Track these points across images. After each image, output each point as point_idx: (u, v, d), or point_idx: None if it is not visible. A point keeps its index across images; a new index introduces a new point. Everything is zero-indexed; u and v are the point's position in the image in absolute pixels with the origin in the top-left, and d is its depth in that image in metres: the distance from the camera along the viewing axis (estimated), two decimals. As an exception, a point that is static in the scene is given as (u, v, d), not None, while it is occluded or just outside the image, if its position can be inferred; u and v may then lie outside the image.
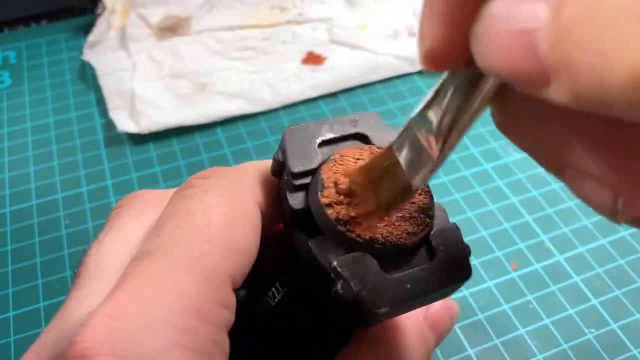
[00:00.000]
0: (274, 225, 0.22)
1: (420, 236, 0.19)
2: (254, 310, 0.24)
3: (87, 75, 0.48)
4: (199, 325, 0.16)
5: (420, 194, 0.20)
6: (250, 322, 0.25)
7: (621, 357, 0.30)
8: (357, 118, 0.22)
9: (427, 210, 0.19)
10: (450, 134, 0.14)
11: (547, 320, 0.31)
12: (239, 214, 0.19)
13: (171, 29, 0.51)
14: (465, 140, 0.41)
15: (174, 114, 0.43)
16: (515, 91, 0.12)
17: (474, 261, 0.34)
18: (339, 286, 0.18)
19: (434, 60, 0.13)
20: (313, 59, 0.48)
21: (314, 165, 0.20)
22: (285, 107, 0.45)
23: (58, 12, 0.55)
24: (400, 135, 0.16)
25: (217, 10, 0.53)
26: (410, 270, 0.18)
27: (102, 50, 0.49)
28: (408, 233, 0.19)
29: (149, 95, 0.44)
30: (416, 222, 0.19)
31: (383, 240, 0.18)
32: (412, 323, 0.22)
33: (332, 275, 0.18)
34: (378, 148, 0.21)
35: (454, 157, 0.40)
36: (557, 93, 0.10)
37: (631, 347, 0.30)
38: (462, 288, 0.32)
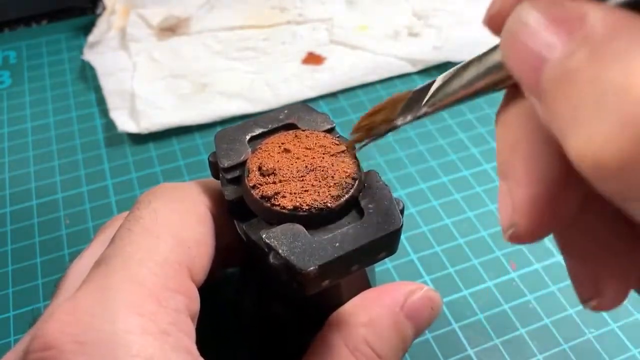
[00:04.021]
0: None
1: (345, 198, 0.20)
2: (242, 306, 0.25)
3: (87, 75, 0.48)
4: (157, 309, 0.17)
5: (343, 162, 0.21)
6: (240, 318, 0.25)
7: (621, 357, 0.30)
8: (286, 110, 0.24)
9: (351, 175, 0.21)
10: (439, 99, 0.16)
11: (547, 320, 0.31)
12: (185, 212, 0.21)
13: (171, 29, 0.51)
14: (465, 140, 0.41)
15: (174, 114, 0.43)
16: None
17: (474, 261, 0.34)
18: (270, 257, 0.19)
19: (496, 25, 0.14)
20: (313, 59, 0.48)
21: (242, 158, 0.22)
22: (285, 107, 0.45)
23: (58, 12, 0.55)
24: (424, 85, 0.17)
25: (217, 11, 0.53)
26: (339, 231, 0.20)
27: (102, 50, 0.49)
28: (332, 197, 0.20)
29: (149, 95, 0.44)
30: (340, 186, 0.20)
31: (307, 207, 0.20)
32: (387, 312, 0.22)
33: (266, 250, 0.19)
34: (303, 131, 0.22)
35: (454, 157, 0.40)
36: (540, 111, 0.12)
37: (631, 347, 0.30)
38: (462, 288, 0.32)
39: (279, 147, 0.22)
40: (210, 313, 0.21)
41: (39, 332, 0.16)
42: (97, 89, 0.46)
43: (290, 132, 0.22)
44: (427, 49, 0.48)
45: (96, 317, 0.16)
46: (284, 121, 0.23)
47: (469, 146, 0.41)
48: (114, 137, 0.42)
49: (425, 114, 0.16)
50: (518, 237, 0.13)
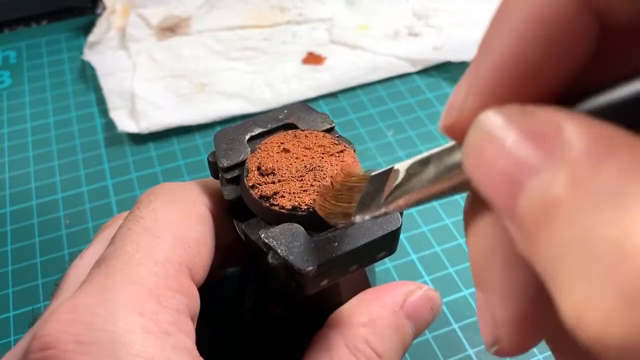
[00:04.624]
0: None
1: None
2: (242, 306, 0.25)
3: (87, 75, 0.48)
4: (158, 309, 0.17)
5: (343, 161, 0.21)
6: (240, 318, 0.25)
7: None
8: (285, 110, 0.24)
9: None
10: (398, 198, 0.14)
11: (547, 320, 0.31)
12: (184, 212, 0.21)
13: (171, 29, 0.51)
14: (465, 140, 0.41)
15: (174, 114, 0.43)
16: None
17: (474, 261, 0.34)
18: (269, 257, 0.19)
19: (454, 133, 0.12)
20: (313, 59, 0.48)
21: (242, 158, 0.22)
22: (285, 107, 0.45)
23: (58, 12, 0.55)
24: (381, 172, 0.16)
25: (217, 10, 0.53)
26: (338, 231, 0.19)
27: (102, 50, 0.49)
28: None
29: (149, 95, 0.44)
30: None
31: (306, 207, 0.20)
32: (387, 311, 0.22)
33: (264, 249, 0.19)
34: (302, 131, 0.22)
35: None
36: (516, 237, 0.10)
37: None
38: (462, 288, 0.32)
39: (278, 146, 0.22)
40: (210, 313, 0.21)
41: (39, 331, 0.16)
42: (97, 89, 0.46)
43: (290, 132, 0.22)
44: (427, 49, 0.48)
45: (97, 316, 0.16)
46: (283, 121, 0.23)
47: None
48: (114, 137, 0.42)
49: (386, 214, 0.15)
50: (504, 353, 0.12)
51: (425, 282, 0.33)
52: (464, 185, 0.12)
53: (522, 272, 0.11)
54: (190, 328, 0.18)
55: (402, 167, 0.14)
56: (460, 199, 0.37)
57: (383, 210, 0.15)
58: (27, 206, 0.38)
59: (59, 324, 0.16)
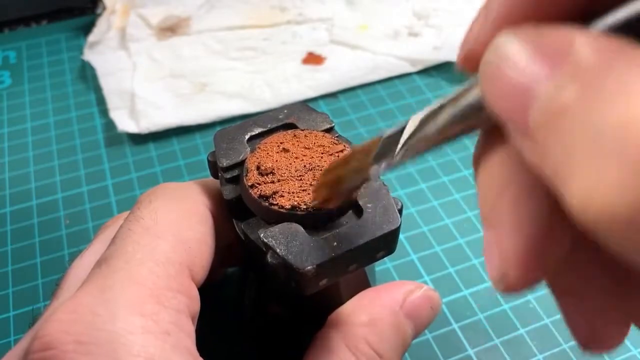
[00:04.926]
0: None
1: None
2: (242, 306, 0.25)
3: (87, 75, 0.48)
4: (159, 309, 0.17)
5: None
6: (240, 318, 0.25)
7: (621, 357, 0.30)
8: (285, 110, 0.24)
9: None
10: (414, 144, 0.15)
11: (547, 320, 0.31)
12: (185, 211, 0.21)
13: (171, 29, 0.51)
14: (465, 140, 0.41)
15: (174, 114, 0.43)
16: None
17: (474, 261, 0.34)
18: (268, 256, 0.19)
19: (471, 63, 0.13)
20: (313, 59, 0.48)
21: (242, 157, 0.22)
22: (285, 107, 0.45)
23: (58, 12, 0.55)
24: (395, 129, 0.16)
25: (217, 10, 0.53)
26: (337, 230, 0.19)
27: (102, 50, 0.49)
28: None
29: (149, 95, 0.44)
30: None
31: (306, 206, 0.20)
32: (387, 311, 0.22)
33: (263, 249, 0.19)
34: (302, 130, 0.22)
35: (454, 157, 0.40)
36: (528, 152, 0.11)
37: (631, 347, 0.30)
38: (462, 288, 0.32)
39: (278, 146, 0.22)
40: (210, 313, 0.21)
41: (40, 331, 0.16)
42: (97, 89, 0.46)
43: (289, 131, 0.22)
44: (427, 49, 0.48)
45: (97, 316, 0.16)
46: (283, 121, 0.23)
47: (469, 146, 0.41)
48: (114, 137, 0.42)
49: (402, 161, 0.15)
50: (511, 288, 0.12)
51: (425, 282, 0.33)
52: (479, 124, 0.13)
53: (531, 203, 0.12)
54: (190, 328, 0.18)
55: (416, 118, 0.15)
56: (461, 199, 0.37)
57: (399, 157, 0.15)
58: (27, 206, 0.38)
59: (60, 324, 0.16)
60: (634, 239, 0.09)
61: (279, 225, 0.19)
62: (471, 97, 0.13)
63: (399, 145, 0.15)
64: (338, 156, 0.21)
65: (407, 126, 0.15)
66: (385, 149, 0.16)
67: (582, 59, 0.10)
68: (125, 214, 0.22)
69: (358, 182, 0.18)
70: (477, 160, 0.14)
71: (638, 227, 0.09)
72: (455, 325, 0.31)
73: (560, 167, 0.10)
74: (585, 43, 0.10)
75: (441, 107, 0.13)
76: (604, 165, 0.09)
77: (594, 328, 0.15)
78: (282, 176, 0.21)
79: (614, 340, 0.15)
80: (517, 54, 0.11)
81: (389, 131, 0.16)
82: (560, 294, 0.15)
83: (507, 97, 0.11)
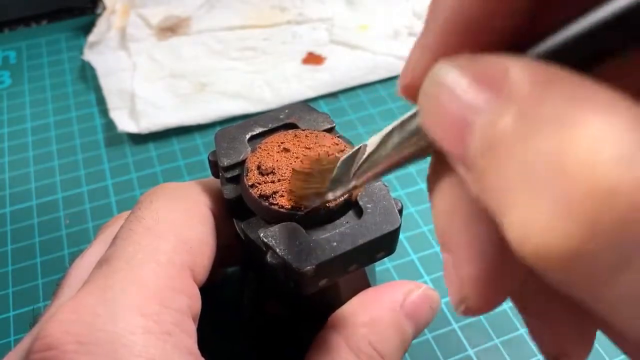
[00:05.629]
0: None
1: (343, 197, 0.20)
2: (242, 306, 0.25)
3: (87, 75, 0.48)
4: (160, 310, 0.17)
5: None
6: (240, 318, 0.25)
7: (621, 357, 0.30)
8: (286, 110, 0.24)
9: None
10: (366, 170, 0.15)
11: (547, 320, 0.31)
12: (186, 212, 0.21)
13: (171, 29, 0.51)
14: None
15: (174, 114, 0.43)
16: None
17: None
18: (268, 256, 0.19)
19: (411, 93, 0.13)
20: (313, 59, 0.48)
21: (242, 157, 0.22)
22: (285, 107, 0.45)
23: (58, 12, 0.55)
24: (350, 153, 0.16)
25: (217, 10, 0.53)
26: (337, 230, 0.19)
27: (102, 50, 0.49)
28: None
29: (149, 95, 0.44)
30: None
31: (306, 206, 0.20)
32: (387, 311, 0.22)
33: (263, 248, 0.19)
34: (303, 130, 0.22)
35: (454, 157, 0.40)
36: (468, 182, 0.11)
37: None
38: (462, 288, 0.32)
39: (279, 146, 0.22)
40: (210, 313, 0.21)
41: (41, 332, 0.16)
42: (97, 89, 0.46)
43: (290, 131, 0.22)
44: (427, 49, 0.48)
45: (99, 317, 0.16)
46: (284, 120, 0.23)
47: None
48: (114, 137, 0.42)
49: (355, 187, 0.16)
50: (471, 312, 0.12)
51: (425, 282, 0.33)
52: (425, 150, 0.13)
53: (481, 228, 0.12)
54: (191, 328, 0.18)
55: (369, 142, 0.15)
56: (460, 199, 0.37)
57: (353, 183, 0.15)
58: (27, 206, 0.38)
59: (61, 324, 0.16)
60: (570, 277, 0.08)
61: (279, 225, 0.19)
62: (415, 123, 0.13)
63: (352, 171, 0.15)
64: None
65: (360, 152, 0.15)
66: (340, 173, 0.16)
67: (517, 88, 0.09)
68: (126, 213, 0.22)
69: (317, 203, 0.19)
70: (430, 182, 0.14)
71: (572, 265, 0.08)
72: (455, 325, 0.31)
73: (499, 198, 0.09)
74: (519, 71, 0.10)
75: (390, 133, 0.14)
76: (538, 199, 0.08)
77: (557, 343, 0.15)
78: (282, 176, 0.21)
79: (579, 356, 0.15)
80: (452, 82, 0.10)
81: (344, 156, 0.16)
82: (524, 313, 0.15)
83: (445, 127, 0.11)
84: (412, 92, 0.13)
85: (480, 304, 0.12)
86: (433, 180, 0.13)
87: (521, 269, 0.12)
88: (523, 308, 0.15)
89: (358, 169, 0.15)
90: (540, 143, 0.09)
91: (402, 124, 0.13)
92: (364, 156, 0.15)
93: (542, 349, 0.15)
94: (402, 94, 0.13)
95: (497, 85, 0.10)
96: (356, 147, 0.16)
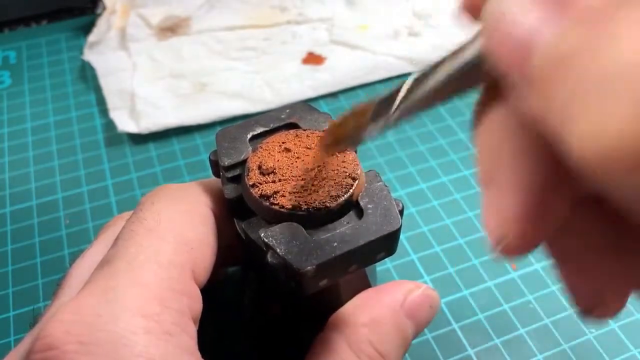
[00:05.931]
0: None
1: (344, 198, 0.20)
2: (242, 306, 0.25)
3: (87, 75, 0.48)
4: (161, 310, 0.17)
5: (343, 161, 0.21)
6: (241, 318, 0.26)
7: (621, 357, 0.30)
8: (287, 109, 0.24)
9: (351, 175, 0.21)
10: (412, 102, 0.15)
11: (547, 320, 0.31)
12: (187, 212, 0.21)
13: (171, 29, 0.51)
14: (465, 140, 0.41)
15: (174, 114, 0.43)
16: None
17: (474, 261, 0.34)
18: (268, 256, 0.19)
19: (473, 12, 0.13)
20: (313, 59, 0.48)
21: (243, 157, 0.22)
22: (285, 107, 0.45)
23: (58, 12, 0.55)
24: (391, 91, 0.16)
25: (217, 10, 0.53)
26: (337, 230, 0.20)
27: (102, 50, 0.49)
28: (332, 197, 0.20)
29: (149, 95, 0.44)
30: (340, 186, 0.20)
31: (306, 206, 0.20)
32: (388, 311, 0.22)
33: (264, 248, 0.19)
34: (304, 130, 0.22)
35: (454, 157, 0.40)
36: (531, 102, 0.11)
37: (631, 347, 0.30)
38: (463, 288, 0.32)
39: (280, 146, 0.22)
40: (211, 313, 0.21)
41: (42, 332, 0.16)
42: (97, 89, 0.46)
43: (291, 131, 0.22)
44: (427, 49, 0.48)
45: (100, 317, 0.16)
46: (285, 120, 0.23)
47: (469, 146, 0.41)
48: (114, 137, 0.42)
49: (399, 119, 0.15)
50: (510, 251, 0.12)
51: (425, 282, 0.33)
52: (479, 80, 0.13)
53: (531, 160, 0.12)
54: (192, 329, 0.18)
55: (413, 77, 0.14)
56: (461, 199, 0.37)
57: (395, 115, 0.15)
58: (27, 206, 0.38)
59: (62, 325, 0.16)
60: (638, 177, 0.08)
61: (280, 225, 0.19)
62: (470, 52, 0.12)
63: (396, 103, 0.15)
64: (339, 156, 0.21)
65: (404, 85, 0.15)
66: (381, 107, 0.16)
67: (588, 2, 0.09)
68: (126, 214, 0.22)
69: (357, 140, 0.18)
70: (476, 119, 0.13)
71: None
72: (455, 325, 0.31)
73: (565, 111, 0.09)
74: None
75: (438, 65, 0.13)
76: (614, 104, 0.08)
77: (595, 292, 0.14)
78: (283, 176, 0.21)
79: (615, 305, 0.14)
80: (518, 5, 0.10)
81: (384, 92, 0.16)
82: (560, 258, 0.15)
83: (508, 49, 0.10)
84: (472, 10, 0.12)
85: (519, 242, 0.12)
86: (481, 112, 0.13)
87: (564, 203, 0.12)
88: (558, 253, 0.15)
89: (402, 101, 0.15)
90: (615, 53, 0.09)
91: (455, 54, 0.13)
92: (407, 88, 0.14)
93: (577, 301, 0.15)
94: (462, 11, 0.13)
95: (566, 1, 0.10)
96: (396, 86, 0.15)
